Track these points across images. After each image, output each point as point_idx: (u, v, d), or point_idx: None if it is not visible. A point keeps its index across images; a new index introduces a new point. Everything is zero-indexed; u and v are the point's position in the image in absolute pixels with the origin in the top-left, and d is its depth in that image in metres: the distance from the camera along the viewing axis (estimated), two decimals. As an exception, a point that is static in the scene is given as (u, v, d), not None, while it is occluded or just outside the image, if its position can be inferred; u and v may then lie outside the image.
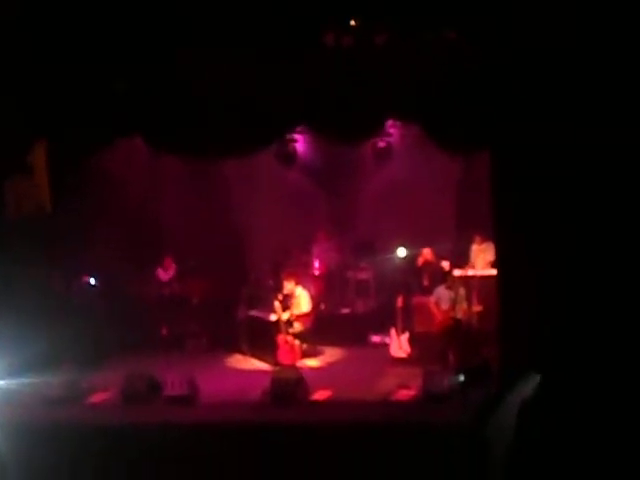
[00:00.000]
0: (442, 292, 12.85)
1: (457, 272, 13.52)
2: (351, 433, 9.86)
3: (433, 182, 15.15)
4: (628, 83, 10.17)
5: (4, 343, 11.27)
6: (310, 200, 16.10)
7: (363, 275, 15.55)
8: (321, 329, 13.89)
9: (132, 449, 9.98)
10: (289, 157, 14.68)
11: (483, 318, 12.71)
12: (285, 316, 13.34)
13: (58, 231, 13.34)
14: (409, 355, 12.94)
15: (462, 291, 12.79)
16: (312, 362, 13.41)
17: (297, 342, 13.30)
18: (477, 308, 12.90)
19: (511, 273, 10.89)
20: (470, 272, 13.65)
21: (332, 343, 14.16)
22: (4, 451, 9.79)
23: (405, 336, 13.01)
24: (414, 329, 13.19)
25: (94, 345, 13.19)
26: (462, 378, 10.56)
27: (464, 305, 12.72)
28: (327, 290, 15.49)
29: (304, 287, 13.83)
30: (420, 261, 14.53)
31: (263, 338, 13.58)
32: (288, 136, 13.79)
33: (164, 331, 14.88)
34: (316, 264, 15.59)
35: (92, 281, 14.28)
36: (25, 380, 11.36)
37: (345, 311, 15.32)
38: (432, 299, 12.94)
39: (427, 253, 14.43)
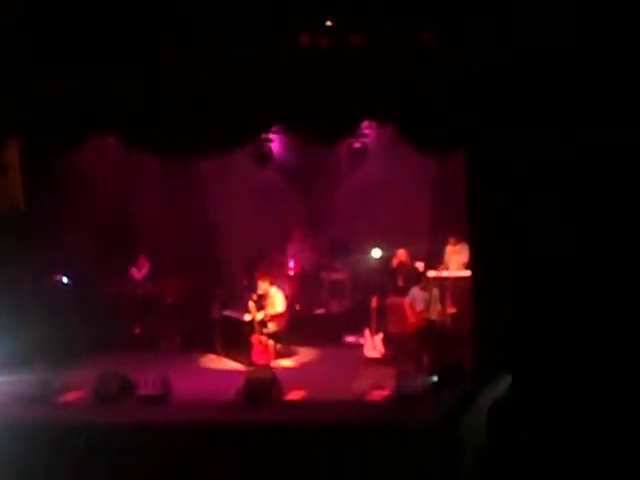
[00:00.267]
0: (416, 293, 12.89)
1: (431, 273, 13.57)
2: (325, 433, 9.86)
3: (408, 183, 15.21)
4: (602, 81, 10.25)
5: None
6: (285, 200, 16.11)
7: (338, 275, 15.58)
8: (295, 329, 13.89)
9: (105, 448, 9.91)
10: (264, 157, 14.67)
11: (457, 319, 12.79)
12: (259, 316, 13.33)
13: (31, 229, 13.25)
14: (383, 355, 12.98)
15: (436, 292, 12.84)
16: (286, 362, 13.41)
17: (271, 342, 13.28)
18: (451, 309, 12.97)
19: (485, 274, 10.96)
20: (444, 273, 13.71)
21: (306, 343, 14.17)
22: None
23: (379, 337, 13.05)
24: (388, 330, 13.24)
25: (67, 344, 13.11)
26: (435, 379, 10.61)
27: (438, 306, 12.77)
28: (301, 290, 15.49)
29: (279, 287, 13.82)
30: (395, 262, 14.56)
31: (237, 338, 13.55)
32: (264, 136, 13.78)
33: (137, 330, 14.83)
34: (291, 264, 15.59)
35: (65, 280, 14.19)
36: (-3, 379, 11.30)
37: (319, 311, 15.34)
38: (407, 300, 12.97)
39: (402, 254, 14.46)
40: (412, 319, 12.80)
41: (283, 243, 15.79)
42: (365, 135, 14.14)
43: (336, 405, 10.80)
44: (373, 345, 13.03)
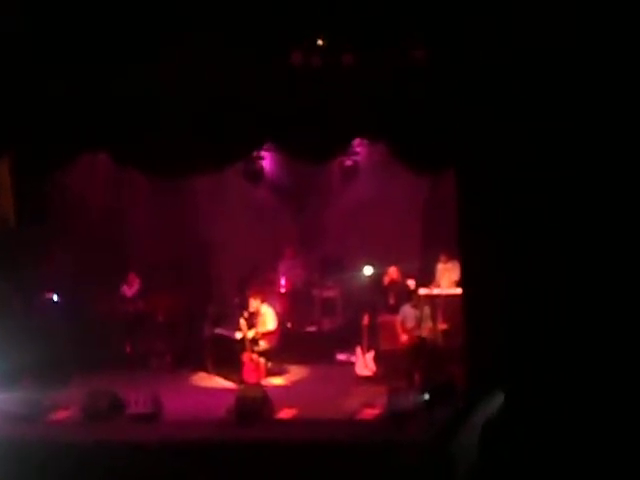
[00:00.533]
0: (408, 311, 12.88)
1: (423, 291, 13.58)
2: (316, 452, 9.83)
3: (399, 201, 15.23)
4: (596, 99, 10.31)
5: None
6: (277, 217, 16.11)
7: (329, 293, 15.56)
8: (287, 347, 13.85)
9: (95, 467, 9.87)
10: (256, 174, 14.69)
11: (448, 336, 12.78)
12: (250, 334, 13.29)
13: (21, 247, 13.21)
14: (374, 373, 12.95)
15: (427, 310, 12.84)
16: (277, 380, 13.37)
17: (262, 360, 13.24)
18: (442, 327, 12.97)
19: (476, 292, 10.97)
20: (435, 291, 13.72)
21: (298, 361, 14.13)
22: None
23: (371, 354, 13.03)
24: (380, 347, 13.22)
25: (57, 362, 13.03)
26: (427, 397, 10.59)
27: (429, 324, 12.77)
28: (293, 308, 15.47)
29: (270, 305, 13.80)
30: (386, 279, 14.56)
31: (228, 356, 13.50)
32: (255, 154, 13.79)
33: (128, 348, 14.77)
34: (282, 282, 15.57)
35: (55, 297, 14.13)
36: (-14, 397, 11.23)
37: (311, 329, 15.31)
38: (398, 318, 12.96)
39: (393, 272, 14.46)
40: (403, 337, 12.79)
41: (274, 260, 15.78)
42: (356, 153, 14.18)
43: (327, 423, 10.78)
44: (364, 363, 13.01)
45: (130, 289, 15.05)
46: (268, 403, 11.07)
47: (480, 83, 10.50)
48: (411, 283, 13.98)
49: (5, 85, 11.25)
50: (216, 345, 14.03)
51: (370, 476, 9.50)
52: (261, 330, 13.40)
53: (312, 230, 16.15)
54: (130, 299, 15.00)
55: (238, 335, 13.40)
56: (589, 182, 10.34)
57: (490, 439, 8.36)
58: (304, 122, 11.11)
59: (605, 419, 9.68)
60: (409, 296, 13.22)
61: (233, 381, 13.23)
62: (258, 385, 12.61)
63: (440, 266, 14.39)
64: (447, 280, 14.07)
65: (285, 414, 11.16)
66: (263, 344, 13.34)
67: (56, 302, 14.18)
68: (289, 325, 15.04)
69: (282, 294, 15.43)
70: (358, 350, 13.11)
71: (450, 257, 13.95)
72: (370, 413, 11.05)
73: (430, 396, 10.56)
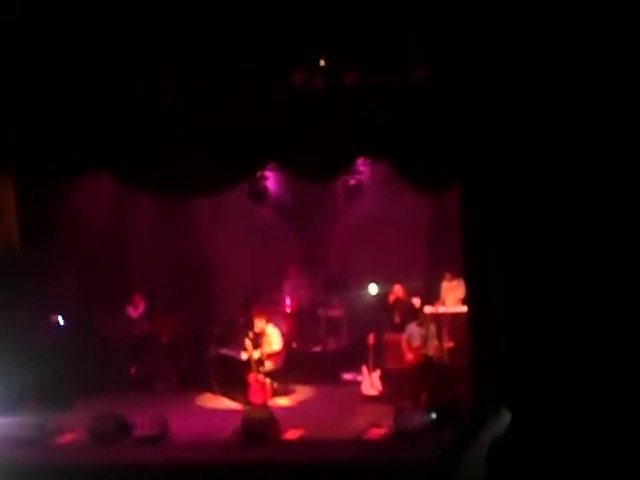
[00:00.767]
0: (413, 329, 12.85)
1: (428, 309, 13.55)
2: (323, 472, 9.80)
3: (404, 219, 15.21)
4: (601, 115, 10.31)
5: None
6: (281, 237, 16.09)
7: (334, 312, 15.52)
8: (292, 367, 13.83)
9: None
10: (260, 194, 14.68)
11: (454, 355, 12.74)
12: (256, 354, 13.26)
13: (26, 269, 13.22)
14: (381, 393, 12.91)
15: (433, 328, 12.80)
16: (283, 401, 13.33)
17: (268, 381, 13.21)
18: (448, 345, 12.92)
19: (481, 310, 10.94)
20: (441, 309, 13.68)
21: (303, 381, 14.10)
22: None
23: (377, 374, 12.99)
24: (386, 366, 13.19)
25: (62, 385, 13.02)
26: (434, 416, 10.55)
27: (435, 342, 12.72)
28: (298, 328, 15.42)
29: (275, 325, 13.78)
30: (391, 298, 14.53)
31: (234, 377, 13.48)
32: (259, 174, 13.81)
33: (133, 370, 14.74)
34: (287, 301, 15.55)
35: (60, 320, 14.13)
36: (-8, 421, 11.22)
37: (316, 349, 15.27)
38: (404, 336, 12.93)
39: (398, 290, 14.44)
40: (409, 355, 12.76)
41: (279, 280, 15.76)
42: (360, 172, 14.19)
43: (334, 444, 10.75)
44: (371, 382, 12.97)
45: (135, 311, 15.04)
46: (274, 424, 11.05)
47: (483, 100, 10.51)
48: (416, 301, 13.95)
49: (7, 105, 11.29)
50: (222, 366, 14.01)
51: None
52: (267, 350, 13.37)
53: (316, 249, 16.14)
54: (135, 321, 14.98)
55: (244, 356, 13.38)
56: (597, 201, 10.31)
57: (497, 458, 8.29)
58: (307, 142, 11.13)
59: (615, 437, 9.62)
60: (415, 314, 13.19)
61: (239, 402, 13.20)
62: (264, 406, 12.58)
63: (445, 284, 14.36)
64: (452, 298, 14.03)
65: (292, 435, 11.13)
66: (269, 364, 13.31)
67: (61, 324, 14.16)
68: (294, 345, 14.99)
69: (287, 314, 15.39)
70: (364, 369, 13.08)
71: (455, 275, 13.93)
72: (377, 433, 11.02)
73: (437, 415, 10.53)
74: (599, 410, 9.90)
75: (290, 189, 15.43)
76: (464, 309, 12.28)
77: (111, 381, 13.99)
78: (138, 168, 11.64)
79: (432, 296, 14.18)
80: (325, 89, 10.97)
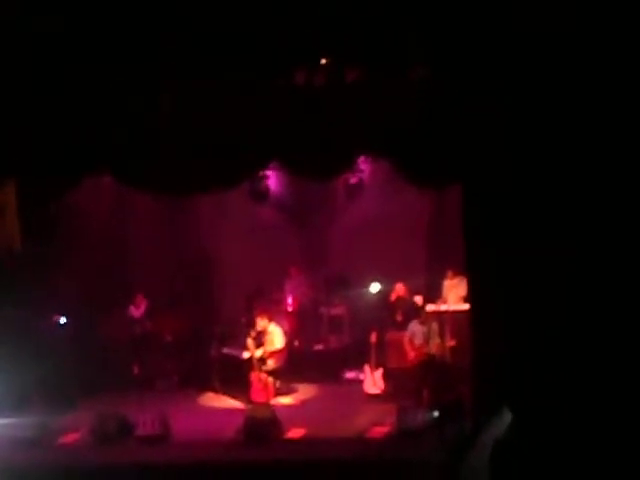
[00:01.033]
0: (415, 327, 12.85)
1: (430, 307, 13.55)
2: (326, 471, 9.79)
3: (405, 217, 15.22)
4: (602, 115, 10.29)
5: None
6: (282, 236, 16.10)
7: (336, 311, 15.53)
8: (295, 366, 13.82)
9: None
10: (261, 194, 14.68)
11: (456, 353, 12.74)
12: (258, 353, 13.26)
13: (27, 270, 13.22)
14: (383, 391, 12.91)
15: (435, 326, 12.81)
16: (286, 400, 13.33)
17: (270, 379, 13.20)
18: (450, 343, 12.92)
19: (483, 308, 10.91)
20: (443, 307, 13.67)
21: (306, 380, 14.11)
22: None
23: (379, 372, 12.99)
24: (388, 365, 13.19)
25: (64, 385, 13.02)
26: (436, 414, 10.54)
27: (437, 340, 12.73)
28: (300, 326, 15.44)
29: (277, 323, 13.77)
30: (393, 296, 14.53)
31: (236, 376, 13.47)
32: (260, 173, 13.80)
33: (136, 369, 14.74)
34: (289, 300, 15.55)
35: (62, 320, 14.12)
36: (-6, 421, 11.22)
37: (319, 347, 15.27)
38: (406, 334, 12.92)
39: (400, 288, 14.44)
40: (411, 354, 12.76)
41: (281, 279, 15.76)
42: (361, 170, 14.17)
43: (336, 442, 10.75)
44: (373, 381, 12.97)
45: (137, 310, 15.05)
46: (277, 423, 11.05)
47: (484, 99, 10.49)
48: (418, 299, 13.96)
49: (7, 105, 11.28)
50: (224, 365, 14.01)
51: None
52: (269, 349, 13.36)
53: (318, 248, 16.14)
54: (137, 320, 15.00)
55: (246, 354, 13.37)
56: (598, 199, 10.29)
57: (500, 459, 8.27)
58: (309, 140, 11.10)
59: (619, 437, 9.59)
60: (416, 312, 13.20)
61: (241, 401, 13.20)
62: (266, 405, 12.57)
63: (447, 282, 14.36)
64: (454, 296, 14.03)
65: (294, 434, 11.12)
66: (271, 363, 13.30)
67: (62, 324, 14.16)
68: (297, 344, 15.00)
69: (289, 313, 15.40)
70: (366, 368, 13.07)
71: (457, 273, 13.93)
72: (379, 431, 11.02)
73: (440, 413, 10.52)
74: (602, 410, 9.87)
75: (291, 188, 15.43)
76: (466, 307, 12.27)
77: (113, 381, 13.99)
78: (138, 168, 11.61)
79: (434, 294, 14.19)
80: (326, 87, 10.95)
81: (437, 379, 12.24)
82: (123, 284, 15.28)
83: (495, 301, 10.64)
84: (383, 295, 14.82)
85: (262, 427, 10.87)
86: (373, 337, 13.21)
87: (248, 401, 13.01)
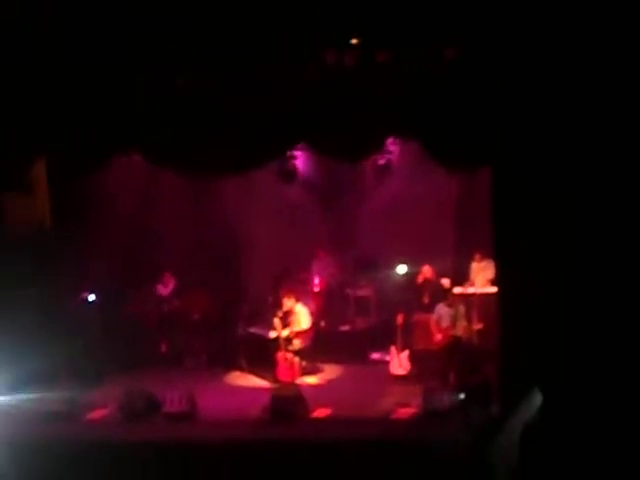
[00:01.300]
0: (442, 310, 12.84)
1: (457, 289, 13.52)
2: (351, 450, 9.83)
3: (433, 199, 15.18)
4: (630, 100, 10.19)
5: (3, 359, 11.25)
6: (310, 216, 16.10)
7: (363, 292, 15.52)
8: (321, 346, 13.85)
9: (131, 466, 9.94)
10: (290, 174, 14.65)
11: (483, 336, 12.70)
12: (285, 333, 13.31)
13: (57, 248, 13.34)
14: (409, 373, 12.90)
15: (462, 309, 12.78)
16: (312, 379, 13.38)
17: (297, 359, 13.26)
18: (477, 326, 12.88)
19: (511, 291, 10.86)
20: (470, 290, 13.64)
21: (332, 360, 14.13)
22: (4, 467, 9.75)
23: (405, 354, 12.99)
24: (414, 346, 13.17)
25: (93, 361, 13.15)
26: (462, 396, 10.54)
27: (464, 323, 12.70)
28: (327, 307, 15.45)
29: (304, 304, 13.80)
30: (420, 278, 14.51)
31: (262, 355, 13.54)
32: (289, 153, 13.80)
33: (163, 347, 14.85)
34: (316, 281, 15.57)
35: (91, 297, 14.25)
36: (24, 396, 11.34)
37: (345, 328, 15.28)
38: (433, 317, 12.92)
39: (427, 270, 14.41)
40: (438, 336, 12.75)
41: (308, 259, 15.78)
42: (390, 152, 14.12)
43: (362, 422, 10.78)
44: (399, 362, 12.97)
45: (165, 288, 15.14)
46: (303, 402, 11.09)
47: (516, 80, 10.41)
48: (445, 282, 13.93)
49: (39, 86, 11.35)
50: (250, 344, 14.08)
51: (405, 475, 9.48)
52: (295, 329, 13.42)
53: (345, 229, 16.12)
54: (165, 298, 15.09)
55: (272, 334, 13.44)
56: (630, 181, 10.20)
57: (529, 443, 8.24)
58: (338, 121, 11.09)
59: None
60: (444, 295, 13.18)
61: (267, 380, 13.27)
62: (293, 384, 12.64)
63: (474, 265, 14.32)
64: (482, 279, 13.99)
65: (320, 413, 11.17)
66: (297, 343, 13.36)
67: (92, 302, 14.28)
68: (323, 324, 15.03)
69: (316, 293, 15.43)
70: (392, 349, 13.08)
71: (484, 255, 13.89)
72: (405, 412, 11.03)
73: (466, 396, 10.52)
74: (634, 390, 9.81)
75: (319, 169, 15.42)
76: (493, 290, 12.24)
77: (141, 358, 14.12)
78: (168, 148, 11.67)
79: (461, 277, 14.15)
80: (356, 68, 10.91)
81: (463, 362, 12.23)
82: (151, 262, 15.37)
83: (523, 284, 10.58)
84: (410, 277, 14.79)
85: (288, 406, 10.92)
86: (400, 319, 13.20)
87: (274, 380, 13.08)
